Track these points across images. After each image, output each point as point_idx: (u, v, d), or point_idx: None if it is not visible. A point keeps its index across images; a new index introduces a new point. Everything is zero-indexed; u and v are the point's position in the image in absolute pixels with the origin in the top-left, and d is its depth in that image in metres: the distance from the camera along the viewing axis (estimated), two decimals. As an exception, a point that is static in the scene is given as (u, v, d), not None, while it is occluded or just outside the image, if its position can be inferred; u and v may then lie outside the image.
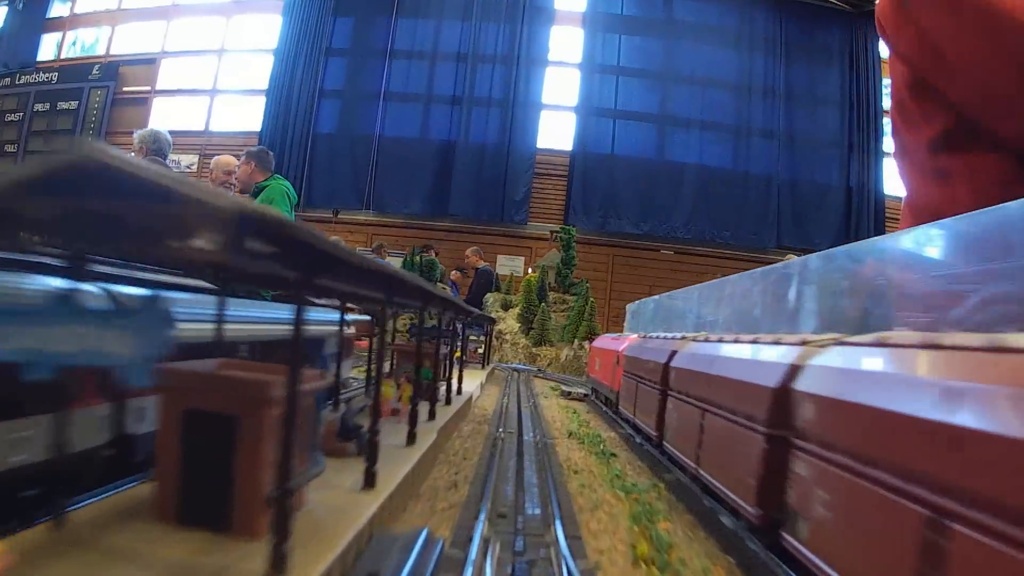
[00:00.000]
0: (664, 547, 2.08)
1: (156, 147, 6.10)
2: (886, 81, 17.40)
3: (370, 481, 2.00)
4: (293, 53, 16.52)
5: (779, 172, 16.49)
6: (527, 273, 13.37)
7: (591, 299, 10.32)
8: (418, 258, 11.33)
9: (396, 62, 16.49)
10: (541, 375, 9.13)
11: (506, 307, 11.28)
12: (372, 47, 16.64)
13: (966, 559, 0.98)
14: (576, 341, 10.06)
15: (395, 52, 16.52)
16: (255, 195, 6.95)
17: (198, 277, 2.31)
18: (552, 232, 13.82)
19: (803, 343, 1.92)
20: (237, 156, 7.47)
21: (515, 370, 9.12)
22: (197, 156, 16.68)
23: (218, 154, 7.45)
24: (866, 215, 16.46)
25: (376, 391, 2.07)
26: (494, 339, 10.21)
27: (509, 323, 10.82)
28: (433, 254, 12.04)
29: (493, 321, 9.47)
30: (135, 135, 6.20)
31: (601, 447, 3.86)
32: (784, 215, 16.44)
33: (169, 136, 6.37)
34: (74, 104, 17.54)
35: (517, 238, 15.90)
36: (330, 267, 1.42)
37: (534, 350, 10.34)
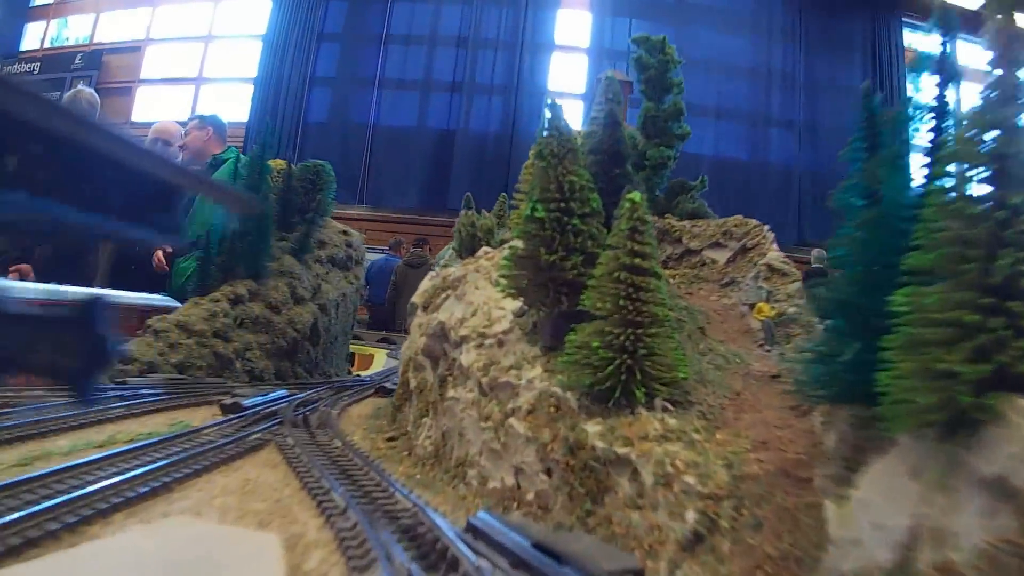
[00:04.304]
0: None
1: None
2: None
3: None
4: (283, 39, 15.69)
5: (800, 163, 15.62)
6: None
7: None
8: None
9: (392, 47, 15.64)
10: None
11: (472, 247, 3.18)
12: (367, 31, 15.80)
13: None
14: None
15: (391, 37, 15.67)
16: (213, 169, 6.20)
17: None
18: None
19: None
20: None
21: None
22: (182, 148, 15.92)
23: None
24: (892, 209, 15.51)
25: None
26: (416, 374, 2.63)
27: (481, 296, 2.26)
28: (427, 250, 11.12)
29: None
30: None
31: None
32: (805, 208, 15.52)
33: (94, 96, 5.58)
34: (56, 95, 16.74)
35: (521, 234, 14.93)
36: None
37: (588, 426, 1.36)
